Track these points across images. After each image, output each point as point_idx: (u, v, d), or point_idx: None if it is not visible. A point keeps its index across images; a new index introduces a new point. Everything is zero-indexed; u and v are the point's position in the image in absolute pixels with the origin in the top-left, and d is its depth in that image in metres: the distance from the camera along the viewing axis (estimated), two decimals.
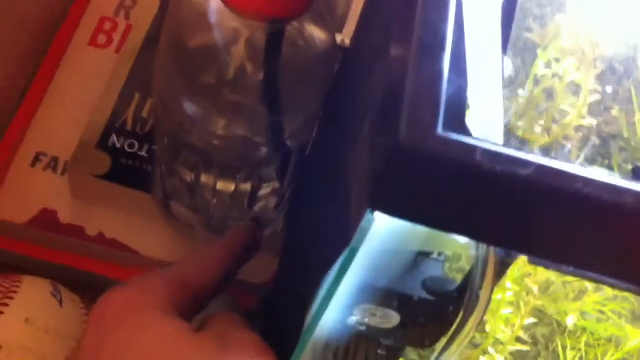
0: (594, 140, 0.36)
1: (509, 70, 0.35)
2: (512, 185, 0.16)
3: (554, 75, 0.37)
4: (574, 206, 0.16)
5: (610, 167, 0.37)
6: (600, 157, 0.38)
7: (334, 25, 0.43)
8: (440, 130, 0.16)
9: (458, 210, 0.17)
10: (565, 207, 0.16)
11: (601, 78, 0.39)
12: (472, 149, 0.16)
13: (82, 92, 0.51)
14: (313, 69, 0.38)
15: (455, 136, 0.16)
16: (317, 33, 0.37)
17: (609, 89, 0.38)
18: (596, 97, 0.36)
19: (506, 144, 0.30)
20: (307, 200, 0.43)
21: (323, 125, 0.42)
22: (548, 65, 0.37)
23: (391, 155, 0.16)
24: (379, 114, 0.19)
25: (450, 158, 0.16)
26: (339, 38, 0.41)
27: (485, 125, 0.19)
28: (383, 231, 0.19)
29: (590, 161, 0.38)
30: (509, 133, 0.37)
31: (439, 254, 0.24)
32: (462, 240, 0.19)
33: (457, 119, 0.17)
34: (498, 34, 0.18)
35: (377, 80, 0.22)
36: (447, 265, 0.25)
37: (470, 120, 0.19)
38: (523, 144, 0.37)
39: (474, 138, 0.17)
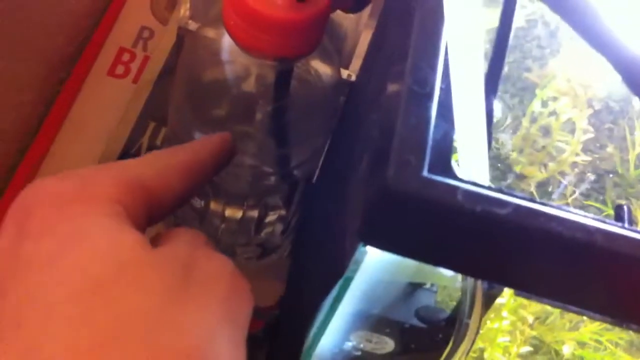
0: (589, 176, 0.38)
1: (498, 112, 0.37)
2: (491, 224, 0.17)
3: (550, 114, 0.38)
4: (549, 244, 0.18)
5: (604, 202, 0.39)
6: (595, 192, 0.40)
7: (340, 61, 0.45)
8: (425, 172, 0.18)
9: (442, 246, 0.19)
10: (540, 245, 0.18)
11: (598, 116, 0.40)
12: (454, 190, 0.17)
13: (100, 120, 0.53)
14: (320, 103, 0.40)
15: (439, 178, 0.18)
16: (323, 69, 0.39)
17: (605, 127, 0.40)
18: (589, 135, 0.38)
19: (503, 179, 0.32)
20: (313, 226, 0.44)
21: (331, 153, 0.44)
22: (544, 104, 0.39)
23: (380, 195, 0.18)
24: (372, 155, 0.20)
25: (433, 199, 0.17)
26: (345, 73, 0.43)
27: (471, 166, 0.20)
28: (375, 263, 0.20)
29: (586, 196, 0.40)
30: (508, 168, 0.39)
31: (432, 284, 0.25)
32: (449, 273, 0.20)
33: (442, 162, 0.19)
34: (482, 80, 0.19)
35: (373, 121, 0.23)
36: (442, 293, 0.26)
37: (457, 161, 0.20)
38: (521, 179, 0.38)
39: (458, 179, 0.18)
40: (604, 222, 0.18)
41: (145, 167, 0.24)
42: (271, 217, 0.44)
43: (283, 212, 0.44)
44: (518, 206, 0.17)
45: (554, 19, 0.42)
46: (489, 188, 0.18)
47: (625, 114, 0.39)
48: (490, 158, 0.40)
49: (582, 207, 0.38)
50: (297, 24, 0.30)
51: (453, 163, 0.20)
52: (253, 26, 0.30)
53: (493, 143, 0.40)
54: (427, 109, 0.19)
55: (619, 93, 0.40)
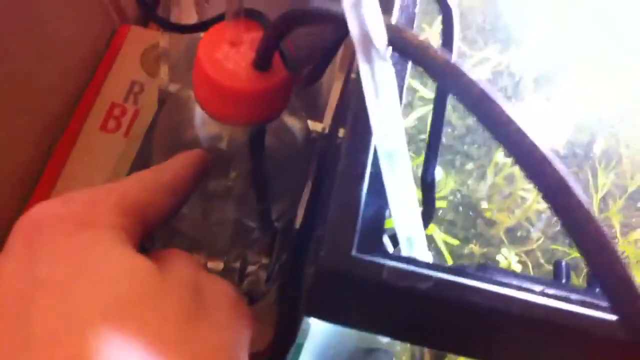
0: (556, 221, 0.39)
1: (440, 175, 0.38)
2: (414, 298, 0.19)
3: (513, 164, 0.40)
4: (469, 313, 0.19)
5: (571, 244, 0.40)
6: (562, 235, 0.41)
7: (316, 113, 0.47)
8: (354, 252, 0.19)
9: (376, 316, 0.20)
10: (461, 314, 0.19)
11: (565, 161, 0.42)
12: (380, 268, 0.19)
13: (93, 175, 0.55)
14: (293, 155, 0.41)
15: (367, 257, 0.19)
16: (292, 122, 0.40)
17: (571, 171, 0.41)
18: None
19: (473, 226, 0.33)
20: (295, 274, 0.46)
21: (312, 200, 0.45)
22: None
23: (316, 273, 0.19)
24: (315, 232, 0.22)
25: (362, 277, 0.19)
26: (320, 126, 0.45)
27: (407, 238, 0.22)
28: (322, 330, 0.22)
29: (553, 240, 0.41)
30: (479, 215, 0.40)
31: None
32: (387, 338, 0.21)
33: (373, 238, 0.20)
34: (407, 153, 0.21)
35: (323, 194, 0.25)
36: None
37: (396, 233, 0.22)
38: (491, 225, 0.40)
39: (387, 255, 0.20)
40: (526, 290, 0.20)
41: (138, 189, 0.25)
42: (253, 266, 0.45)
43: (265, 260, 0.46)
44: (439, 280, 0.19)
45: (518, 70, 0.44)
46: (415, 262, 0.20)
47: (588, 159, 0.41)
48: (462, 205, 0.42)
49: (549, 251, 0.39)
50: (262, 93, 0.31)
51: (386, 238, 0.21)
52: (220, 97, 0.32)
53: (464, 190, 0.41)
54: (359, 190, 0.21)
55: (583, 140, 0.42)
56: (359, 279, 0.19)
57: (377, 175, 0.21)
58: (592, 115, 0.42)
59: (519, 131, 0.18)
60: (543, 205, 0.39)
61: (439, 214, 0.40)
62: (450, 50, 0.23)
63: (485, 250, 0.39)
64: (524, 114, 0.44)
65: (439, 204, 0.40)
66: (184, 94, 0.41)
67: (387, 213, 0.22)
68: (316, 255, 0.20)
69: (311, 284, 0.20)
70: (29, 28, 0.52)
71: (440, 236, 0.38)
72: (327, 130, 0.45)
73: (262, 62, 0.30)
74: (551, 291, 0.21)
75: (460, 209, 0.40)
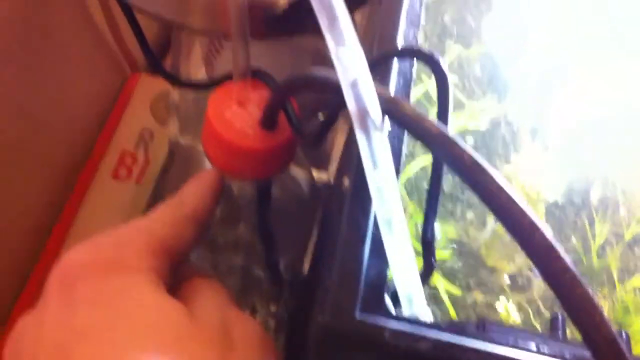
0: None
1: (437, 232, 0.40)
2: (415, 357, 0.20)
3: None
4: None
5: None
6: None
7: (321, 162, 0.48)
8: (357, 314, 0.20)
9: None
10: None
11: (564, 210, 0.43)
12: (382, 329, 0.20)
13: (106, 222, 0.57)
14: (300, 205, 0.43)
15: (370, 318, 0.20)
16: (298, 173, 0.42)
17: (570, 220, 0.42)
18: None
19: (475, 274, 0.34)
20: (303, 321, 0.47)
21: (318, 247, 0.46)
22: None
23: (319, 333, 0.21)
24: (320, 291, 0.23)
25: (364, 338, 0.20)
26: (325, 176, 0.46)
27: (408, 296, 0.23)
28: None
29: None
30: (480, 262, 0.41)
31: None
32: None
33: (376, 299, 0.21)
34: (403, 217, 0.22)
35: (325, 253, 0.26)
36: None
37: (397, 294, 0.23)
38: (492, 272, 0.41)
39: (389, 316, 0.21)
40: (521, 348, 0.21)
41: (163, 226, 0.26)
42: (262, 315, 0.46)
43: (273, 308, 0.47)
44: (437, 341, 0.20)
45: (516, 120, 0.45)
46: (416, 323, 0.21)
47: (586, 207, 0.42)
48: (464, 253, 0.43)
49: (550, 299, 0.40)
50: (269, 151, 0.33)
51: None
52: (228, 154, 0.33)
53: (464, 237, 0.42)
54: (361, 252, 0.22)
55: (580, 187, 0.43)
56: (361, 340, 0.20)
57: (378, 236, 0.22)
58: (589, 163, 0.44)
59: (509, 200, 0.19)
60: None
61: (444, 263, 0.41)
62: (446, 115, 0.25)
63: (487, 299, 0.40)
64: (522, 164, 0.45)
65: (442, 254, 0.41)
66: (194, 147, 0.43)
67: (388, 272, 0.23)
68: (320, 316, 0.21)
69: (314, 344, 0.21)
70: (42, 79, 0.54)
71: (443, 286, 0.39)
72: (332, 180, 0.46)
73: (268, 122, 0.31)
74: (547, 347, 0.22)
75: (462, 257, 0.41)
